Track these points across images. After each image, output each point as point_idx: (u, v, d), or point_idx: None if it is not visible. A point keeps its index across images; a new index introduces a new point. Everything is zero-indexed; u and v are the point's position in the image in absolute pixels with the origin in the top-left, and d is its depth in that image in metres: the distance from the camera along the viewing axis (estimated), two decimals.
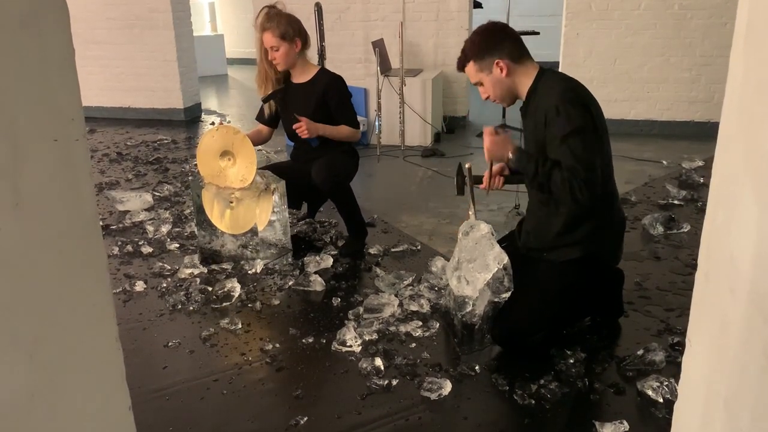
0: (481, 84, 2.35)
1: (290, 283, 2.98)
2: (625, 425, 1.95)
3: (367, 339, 2.48)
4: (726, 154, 0.85)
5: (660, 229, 3.49)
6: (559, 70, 4.26)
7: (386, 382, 2.21)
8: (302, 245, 3.40)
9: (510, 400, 2.13)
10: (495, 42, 2.29)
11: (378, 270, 3.07)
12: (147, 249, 3.39)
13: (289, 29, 3.13)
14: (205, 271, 3.12)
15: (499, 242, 2.40)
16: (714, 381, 0.89)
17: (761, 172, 0.75)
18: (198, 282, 3.01)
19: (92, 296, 0.92)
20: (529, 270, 2.36)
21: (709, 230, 0.92)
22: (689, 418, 1.00)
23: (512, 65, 2.29)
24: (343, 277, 3.07)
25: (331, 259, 3.18)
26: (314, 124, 3.16)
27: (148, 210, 3.96)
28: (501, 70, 2.28)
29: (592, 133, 2.13)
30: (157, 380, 2.29)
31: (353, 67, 6.04)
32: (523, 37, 2.40)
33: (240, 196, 3.06)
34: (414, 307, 2.70)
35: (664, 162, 4.86)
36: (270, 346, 2.48)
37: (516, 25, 3.08)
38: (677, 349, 2.36)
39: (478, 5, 6.35)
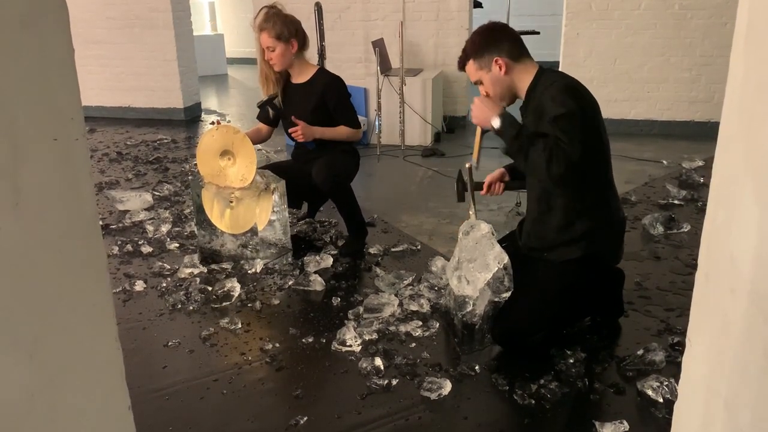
0: (481, 83, 2.36)
1: (290, 283, 2.98)
2: (625, 425, 1.96)
3: (367, 339, 2.48)
4: (726, 154, 0.85)
5: (660, 229, 3.49)
6: (560, 69, 4.26)
7: (386, 381, 2.21)
8: (302, 245, 3.41)
9: (510, 400, 2.13)
10: (494, 40, 2.30)
11: (378, 270, 3.07)
12: (147, 248, 3.39)
13: (285, 30, 3.12)
14: (205, 270, 3.12)
15: (500, 242, 2.40)
16: (714, 381, 0.89)
17: (761, 172, 0.75)
18: (198, 282, 3.01)
19: (92, 296, 0.92)
20: (530, 270, 2.36)
21: (710, 230, 0.92)
22: (689, 418, 1.00)
23: (511, 63, 2.29)
24: (343, 276, 3.07)
25: (331, 259, 3.18)
26: (310, 128, 3.16)
27: (147, 209, 3.96)
28: (500, 68, 2.29)
29: (582, 122, 2.12)
30: (156, 380, 2.29)
31: (353, 66, 6.04)
32: (524, 37, 2.40)
33: (240, 195, 3.06)
34: (414, 307, 2.70)
35: (664, 162, 4.86)
36: (270, 346, 2.48)
37: (516, 24, 3.08)
38: (677, 349, 2.36)
39: (478, 5, 6.36)
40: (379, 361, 2.30)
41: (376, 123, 5.36)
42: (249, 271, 3.10)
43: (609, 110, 5.59)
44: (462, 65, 2.39)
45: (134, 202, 4.04)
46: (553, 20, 7.67)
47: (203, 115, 7.01)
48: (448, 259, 2.68)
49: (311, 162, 3.22)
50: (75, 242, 0.87)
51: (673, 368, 2.24)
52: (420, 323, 2.58)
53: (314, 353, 2.44)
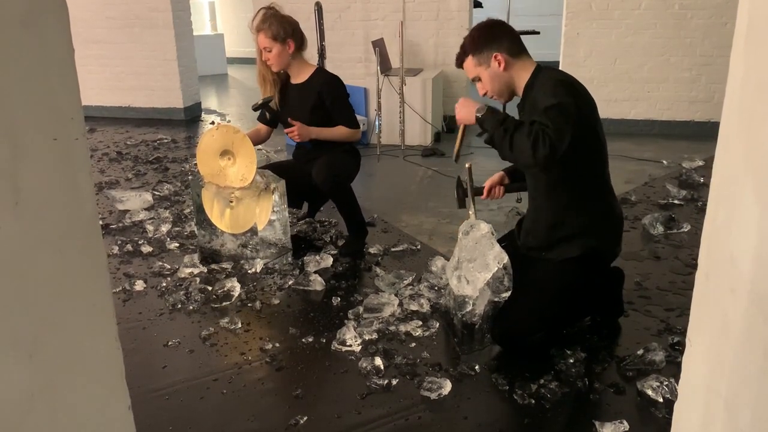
0: (479, 79, 2.36)
1: (290, 283, 2.98)
2: (625, 425, 1.96)
3: (366, 338, 2.48)
4: (726, 154, 0.85)
5: (660, 228, 3.49)
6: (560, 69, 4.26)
7: (386, 381, 2.21)
8: (302, 245, 3.40)
9: (510, 399, 2.13)
10: (493, 36, 2.31)
11: (378, 269, 3.07)
12: (147, 248, 3.39)
13: (281, 30, 3.12)
14: (205, 270, 3.12)
15: (499, 242, 2.40)
16: (714, 381, 0.89)
17: (761, 172, 0.75)
18: (198, 281, 3.01)
19: (92, 296, 0.92)
20: (529, 270, 2.37)
21: (710, 230, 0.92)
22: (689, 418, 1.00)
23: (510, 59, 2.30)
24: (343, 276, 3.07)
25: (331, 259, 3.18)
26: (307, 129, 3.16)
27: (147, 209, 3.96)
28: (499, 64, 2.29)
29: (575, 116, 2.10)
30: (156, 380, 2.29)
31: (353, 66, 6.04)
32: (524, 37, 2.41)
33: (240, 195, 3.06)
34: (414, 307, 2.70)
35: (664, 162, 4.86)
36: (270, 346, 2.48)
37: (516, 24, 3.08)
38: (677, 349, 2.36)
39: (478, 5, 6.36)
40: (379, 361, 2.30)
41: (376, 123, 5.36)
42: (249, 271, 3.10)
43: (609, 110, 5.60)
44: (460, 62, 2.39)
45: (134, 201, 4.04)
46: (553, 20, 7.66)
47: (203, 115, 7.01)
48: (448, 259, 2.68)
49: (312, 162, 3.22)
50: (75, 242, 0.87)
51: (673, 368, 2.24)
52: (420, 323, 2.58)
53: (314, 353, 2.44)
